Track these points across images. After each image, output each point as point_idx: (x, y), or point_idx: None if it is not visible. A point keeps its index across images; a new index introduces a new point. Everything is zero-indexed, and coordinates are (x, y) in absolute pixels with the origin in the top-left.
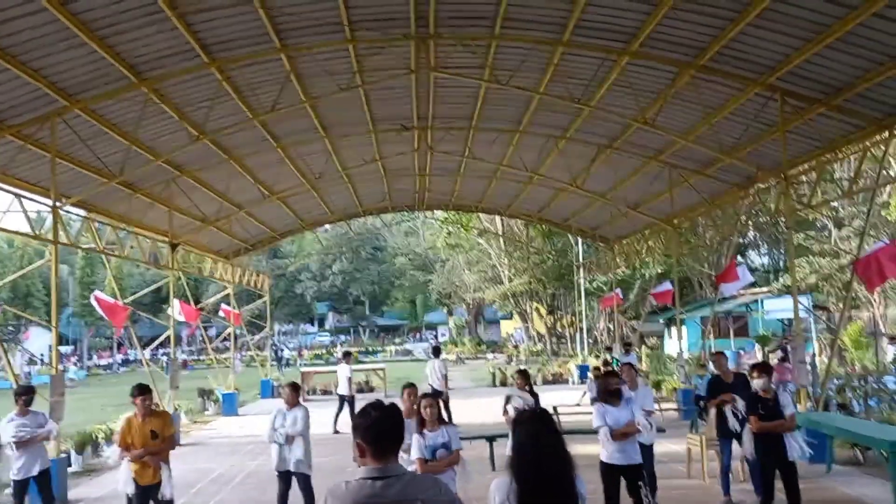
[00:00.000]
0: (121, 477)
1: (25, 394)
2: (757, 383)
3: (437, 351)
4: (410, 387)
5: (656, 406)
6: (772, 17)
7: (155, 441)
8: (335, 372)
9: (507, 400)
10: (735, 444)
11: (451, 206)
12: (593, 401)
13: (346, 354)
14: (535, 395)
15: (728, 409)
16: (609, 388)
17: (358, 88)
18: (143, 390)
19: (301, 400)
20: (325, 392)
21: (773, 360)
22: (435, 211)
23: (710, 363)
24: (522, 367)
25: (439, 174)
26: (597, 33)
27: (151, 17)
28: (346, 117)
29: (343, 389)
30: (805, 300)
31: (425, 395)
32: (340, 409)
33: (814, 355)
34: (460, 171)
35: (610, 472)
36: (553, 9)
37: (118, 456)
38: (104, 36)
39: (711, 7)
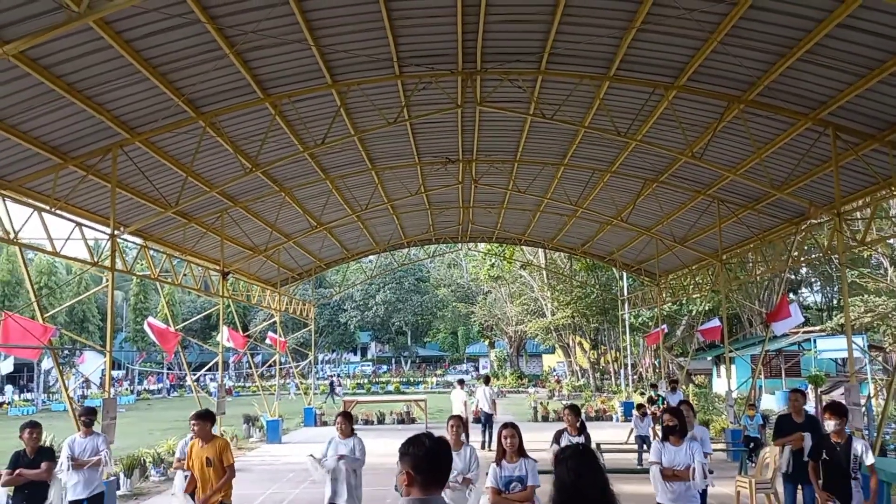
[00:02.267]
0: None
1: (86, 415)
2: (829, 425)
3: (487, 379)
4: (456, 418)
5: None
6: (822, 53)
7: (209, 468)
8: (377, 402)
9: (557, 437)
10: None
11: (495, 238)
12: (637, 438)
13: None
14: (586, 433)
15: (787, 450)
16: (664, 425)
17: (405, 122)
18: (198, 416)
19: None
20: (367, 421)
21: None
22: (478, 243)
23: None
24: (573, 403)
25: (483, 206)
26: (643, 67)
27: (210, 53)
28: (392, 150)
29: (461, 411)
30: (859, 340)
31: (506, 426)
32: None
33: (869, 397)
34: (504, 204)
35: None
36: (599, 44)
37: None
38: (165, 72)
39: (761, 42)
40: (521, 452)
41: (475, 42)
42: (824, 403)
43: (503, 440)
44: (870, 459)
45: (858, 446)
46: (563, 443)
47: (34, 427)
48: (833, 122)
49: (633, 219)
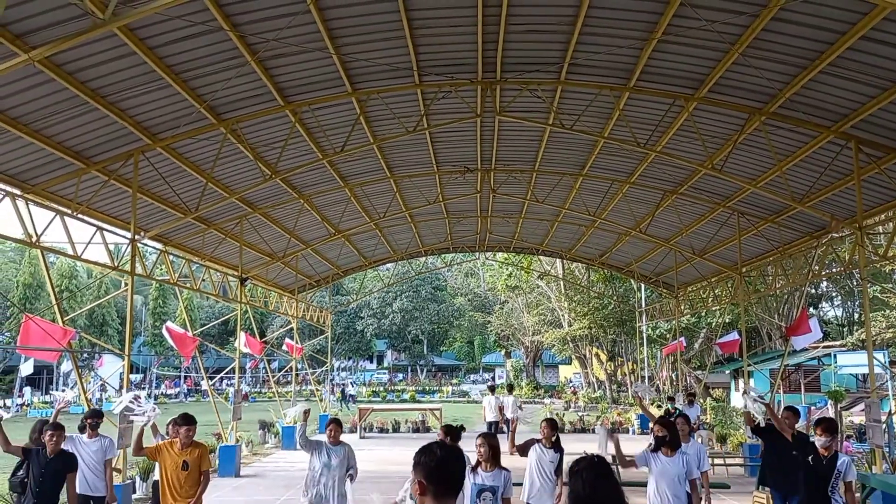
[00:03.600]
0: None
1: (92, 417)
2: (819, 441)
3: (510, 388)
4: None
5: (709, 463)
6: (845, 65)
7: (184, 472)
8: (392, 410)
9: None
10: None
11: (512, 248)
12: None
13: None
14: (560, 449)
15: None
16: (655, 436)
17: (424, 131)
18: (190, 421)
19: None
20: (382, 430)
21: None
22: (496, 253)
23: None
24: (551, 417)
25: (501, 216)
26: (664, 79)
27: (232, 60)
28: (411, 159)
29: (493, 417)
30: (881, 356)
31: (479, 435)
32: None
33: (890, 414)
34: (522, 214)
35: None
36: (619, 54)
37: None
38: (187, 78)
39: (783, 54)
40: (495, 462)
41: (495, 52)
42: (814, 419)
43: (476, 449)
44: (851, 476)
45: (843, 462)
46: (532, 454)
47: (56, 430)
48: (855, 136)
49: (652, 230)
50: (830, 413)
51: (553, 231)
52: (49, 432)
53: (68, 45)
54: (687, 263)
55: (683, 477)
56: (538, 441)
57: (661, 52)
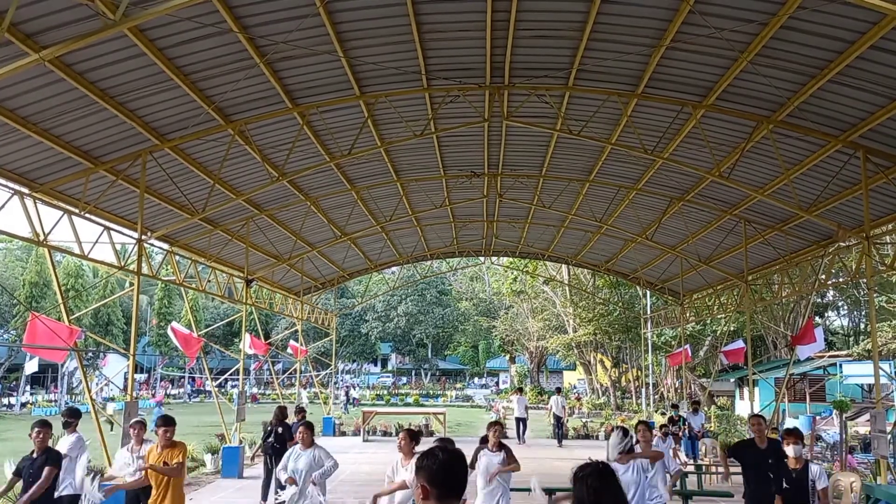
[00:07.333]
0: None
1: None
2: (790, 450)
3: (520, 390)
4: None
5: (678, 463)
6: (854, 74)
7: None
8: (396, 413)
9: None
10: None
11: (518, 253)
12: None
13: (520, 390)
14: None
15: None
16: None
17: (431, 135)
18: (169, 423)
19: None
20: (385, 433)
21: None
22: (501, 258)
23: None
24: (497, 420)
25: (507, 221)
26: (672, 86)
27: (241, 63)
28: (418, 162)
29: (521, 413)
30: (887, 366)
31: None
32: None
33: (895, 425)
34: (528, 219)
35: None
36: (628, 61)
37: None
38: (196, 80)
39: (791, 62)
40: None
41: (504, 57)
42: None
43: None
44: (822, 484)
45: (814, 470)
46: (482, 458)
47: (42, 426)
48: (863, 145)
49: (658, 237)
50: (836, 423)
51: (559, 236)
52: (36, 429)
53: (79, 46)
54: (693, 271)
55: (645, 485)
56: (484, 447)
57: (669, 59)
